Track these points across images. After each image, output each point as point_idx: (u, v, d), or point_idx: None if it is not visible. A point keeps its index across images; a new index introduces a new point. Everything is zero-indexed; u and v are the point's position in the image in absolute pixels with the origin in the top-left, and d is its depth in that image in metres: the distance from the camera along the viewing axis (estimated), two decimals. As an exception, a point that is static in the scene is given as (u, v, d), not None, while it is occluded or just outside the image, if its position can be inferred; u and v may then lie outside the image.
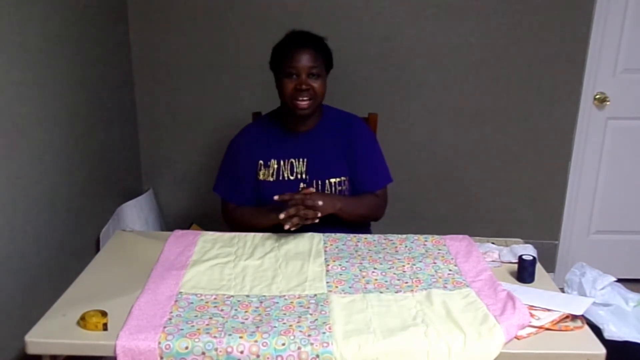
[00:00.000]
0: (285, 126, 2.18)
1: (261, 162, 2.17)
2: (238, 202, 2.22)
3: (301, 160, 2.15)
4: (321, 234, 2.03)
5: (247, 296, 1.66)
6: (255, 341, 1.43)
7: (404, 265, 1.84)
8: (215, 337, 1.44)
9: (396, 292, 1.68)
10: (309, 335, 1.45)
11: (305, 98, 2.04)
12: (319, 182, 2.13)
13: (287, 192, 2.03)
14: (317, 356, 1.41)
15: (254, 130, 2.25)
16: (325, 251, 1.92)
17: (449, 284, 1.73)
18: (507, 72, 2.99)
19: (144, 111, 3.06)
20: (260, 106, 2.46)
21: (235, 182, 2.21)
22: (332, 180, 2.14)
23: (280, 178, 2.15)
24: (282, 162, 2.16)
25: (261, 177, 2.16)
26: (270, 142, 2.18)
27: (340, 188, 2.14)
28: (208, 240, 1.98)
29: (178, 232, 2.05)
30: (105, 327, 1.48)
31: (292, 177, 2.14)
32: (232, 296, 1.65)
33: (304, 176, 2.14)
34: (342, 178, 2.15)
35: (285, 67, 2.05)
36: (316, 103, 2.08)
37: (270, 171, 2.16)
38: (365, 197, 2.16)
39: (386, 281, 1.75)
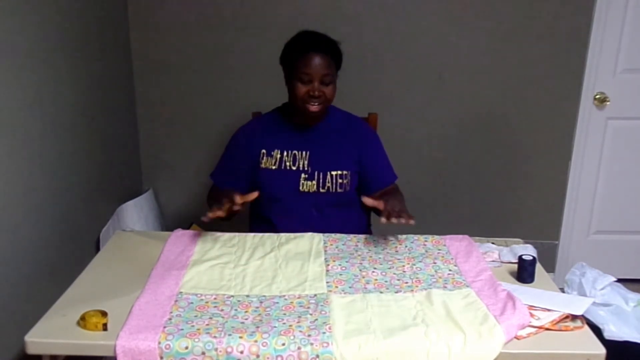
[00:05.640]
0: (291, 121, 2.21)
1: (264, 151, 2.19)
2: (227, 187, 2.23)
3: (304, 152, 2.17)
4: (321, 234, 2.03)
5: (247, 296, 1.66)
6: (255, 341, 1.43)
7: (404, 266, 1.84)
8: (215, 337, 1.44)
9: (396, 292, 1.68)
10: (309, 335, 1.45)
11: (316, 103, 2.07)
12: (320, 174, 2.16)
13: (288, 180, 2.14)
14: (317, 356, 1.41)
15: (261, 122, 2.29)
16: (325, 251, 1.92)
17: (449, 284, 1.73)
18: (507, 72, 2.99)
19: (144, 111, 3.06)
20: (260, 106, 2.46)
21: (231, 169, 2.23)
22: (334, 172, 2.16)
23: (282, 167, 2.17)
24: (285, 153, 2.18)
25: (263, 165, 2.19)
26: (275, 134, 2.21)
27: (341, 181, 2.17)
28: (208, 241, 1.98)
29: (178, 232, 2.05)
30: (105, 327, 1.48)
31: (294, 168, 2.17)
32: (232, 296, 1.65)
33: (305, 167, 2.17)
34: (344, 172, 2.17)
35: (299, 72, 2.05)
36: (326, 106, 2.12)
37: (273, 160, 2.18)
38: (395, 190, 2.24)
39: (386, 281, 1.75)
